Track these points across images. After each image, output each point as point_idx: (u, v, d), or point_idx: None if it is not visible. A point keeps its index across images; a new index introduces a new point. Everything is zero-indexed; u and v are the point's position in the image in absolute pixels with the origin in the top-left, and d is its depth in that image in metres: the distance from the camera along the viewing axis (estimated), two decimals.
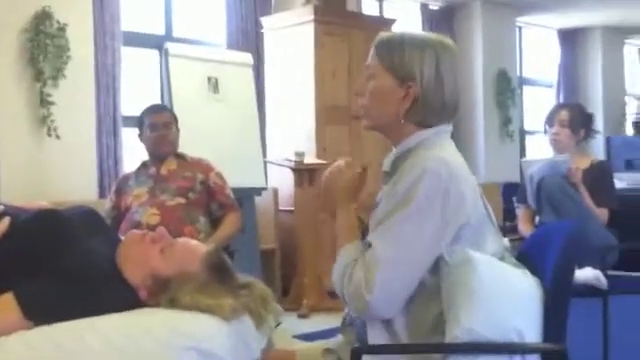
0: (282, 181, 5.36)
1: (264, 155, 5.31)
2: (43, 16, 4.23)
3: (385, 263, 1.48)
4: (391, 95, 1.60)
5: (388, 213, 1.52)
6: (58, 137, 4.27)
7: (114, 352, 1.48)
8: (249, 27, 5.60)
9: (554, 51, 8.63)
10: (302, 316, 4.65)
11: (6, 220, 1.74)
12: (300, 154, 4.88)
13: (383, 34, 1.68)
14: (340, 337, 1.85)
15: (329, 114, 5.46)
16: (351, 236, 1.63)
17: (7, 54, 4.17)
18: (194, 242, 1.89)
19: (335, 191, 1.69)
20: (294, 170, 4.92)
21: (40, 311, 1.57)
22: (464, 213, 1.53)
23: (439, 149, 1.59)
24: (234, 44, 5.50)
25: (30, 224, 1.76)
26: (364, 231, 1.70)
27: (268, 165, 5.37)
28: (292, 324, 4.30)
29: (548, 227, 1.87)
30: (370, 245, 1.52)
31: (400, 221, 1.50)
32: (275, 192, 5.37)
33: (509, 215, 5.39)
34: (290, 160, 4.89)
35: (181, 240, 1.86)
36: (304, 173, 4.92)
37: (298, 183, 4.95)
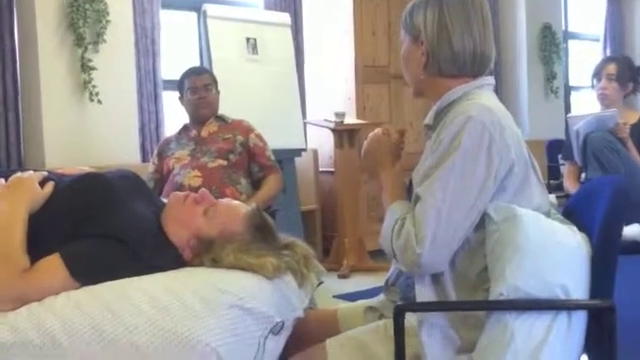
0: (322, 142, 5.35)
1: (304, 116, 5.29)
2: None
3: (435, 214, 1.47)
4: (413, 55, 1.68)
5: (435, 165, 1.51)
6: (100, 102, 4.31)
7: (160, 310, 1.50)
8: None
9: (600, 3, 8.36)
10: (343, 276, 4.67)
11: (50, 184, 1.77)
12: (340, 114, 4.85)
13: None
14: (382, 296, 1.85)
15: (369, 73, 5.41)
16: (397, 196, 1.64)
17: (47, 20, 4.20)
18: (236, 202, 1.90)
19: (376, 157, 1.73)
20: (334, 131, 4.90)
21: (87, 271, 1.60)
22: (508, 161, 1.51)
23: (481, 99, 1.57)
24: (272, 4, 5.45)
25: (74, 187, 1.78)
26: (409, 192, 1.69)
27: (308, 126, 5.36)
28: (333, 284, 4.33)
29: (595, 182, 1.82)
30: (419, 198, 1.51)
31: (446, 171, 1.48)
32: (315, 153, 5.37)
33: (554, 173, 5.31)
34: (330, 121, 4.86)
35: (223, 201, 1.87)
36: (344, 134, 4.90)
37: (338, 144, 4.93)
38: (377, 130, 1.78)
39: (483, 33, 1.64)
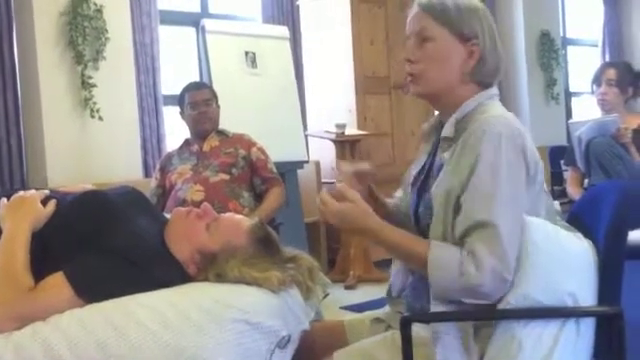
0: (324, 153, 5.34)
1: (305, 128, 5.30)
2: None
3: (510, 237, 1.43)
4: (455, 55, 1.61)
5: (490, 189, 1.46)
6: (101, 118, 4.31)
7: (165, 326, 1.50)
8: (284, 0, 5.56)
9: (598, 9, 8.38)
10: (349, 287, 4.66)
11: (52, 203, 1.76)
12: (341, 126, 4.85)
13: None
14: (388, 307, 1.84)
15: (369, 84, 5.41)
16: (414, 240, 1.57)
17: (47, 39, 4.22)
18: (239, 216, 1.89)
19: (354, 223, 1.57)
20: (335, 142, 4.90)
21: (91, 288, 1.59)
22: (539, 170, 1.54)
23: (499, 111, 1.58)
24: (270, 18, 5.47)
25: (76, 205, 1.78)
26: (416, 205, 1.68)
27: (309, 138, 5.36)
28: (339, 295, 4.32)
29: (599, 187, 1.82)
30: (486, 224, 1.44)
31: (502, 193, 1.46)
32: (317, 165, 5.37)
33: (557, 179, 5.30)
34: (331, 132, 4.87)
35: (226, 215, 1.86)
36: (345, 144, 4.90)
37: (340, 155, 4.92)
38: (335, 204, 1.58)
39: None
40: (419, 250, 1.51)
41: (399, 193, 1.90)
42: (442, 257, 1.47)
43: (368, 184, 1.83)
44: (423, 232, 1.63)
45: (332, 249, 5.23)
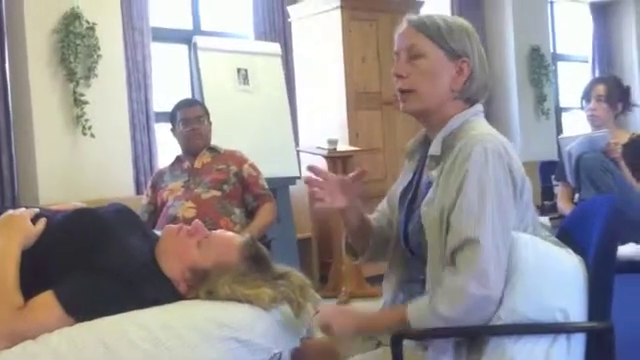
0: None
1: (296, 144, 5.31)
2: (72, 17, 4.26)
3: (492, 252, 1.44)
4: (444, 71, 1.61)
5: (479, 207, 1.47)
6: (93, 136, 4.31)
7: (156, 345, 1.49)
8: (276, 17, 5.60)
9: (587, 25, 8.45)
10: (342, 303, 4.64)
11: (42, 221, 1.76)
12: (333, 142, 4.86)
13: (415, 16, 1.67)
14: None
15: (360, 100, 5.43)
16: (392, 311, 1.63)
17: (39, 56, 4.22)
18: (230, 233, 1.90)
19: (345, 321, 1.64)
20: (327, 158, 4.90)
21: (81, 307, 1.59)
22: (526, 186, 1.55)
23: (484, 128, 1.60)
24: (262, 35, 5.50)
25: (66, 223, 1.78)
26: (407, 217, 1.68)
27: (301, 154, 5.37)
28: None
29: (589, 202, 1.83)
30: (471, 241, 1.45)
31: (489, 209, 1.46)
32: None
33: (548, 194, 5.32)
34: (323, 148, 4.87)
35: (217, 232, 1.87)
36: (337, 161, 4.90)
37: (332, 171, 4.90)
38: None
39: None
40: (400, 319, 1.52)
41: (381, 207, 1.89)
42: (419, 316, 1.49)
43: (356, 201, 1.78)
44: (413, 250, 1.64)
45: (324, 265, 5.23)
